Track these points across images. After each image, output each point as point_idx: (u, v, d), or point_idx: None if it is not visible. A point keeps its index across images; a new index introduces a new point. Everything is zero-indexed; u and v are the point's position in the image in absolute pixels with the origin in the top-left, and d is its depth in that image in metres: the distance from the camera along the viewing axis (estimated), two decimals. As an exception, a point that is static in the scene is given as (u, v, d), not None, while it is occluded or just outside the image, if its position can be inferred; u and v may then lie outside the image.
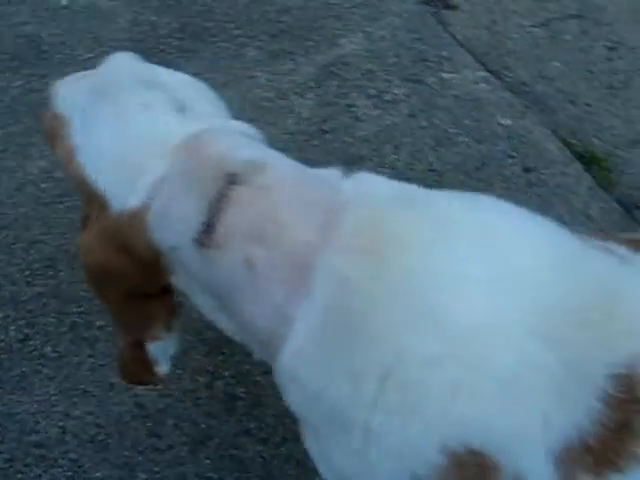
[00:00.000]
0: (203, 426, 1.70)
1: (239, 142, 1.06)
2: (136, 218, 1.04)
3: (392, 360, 0.91)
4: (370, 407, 0.93)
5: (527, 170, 2.25)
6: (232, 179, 0.99)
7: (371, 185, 1.03)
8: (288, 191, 1.00)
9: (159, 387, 1.72)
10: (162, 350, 1.22)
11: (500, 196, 2.17)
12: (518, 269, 0.95)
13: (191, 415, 1.71)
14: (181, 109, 1.09)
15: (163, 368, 1.24)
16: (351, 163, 2.16)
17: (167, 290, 1.15)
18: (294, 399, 1.03)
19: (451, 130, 2.32)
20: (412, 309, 0.92)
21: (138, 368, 1.25)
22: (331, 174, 1.06)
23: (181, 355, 1.80)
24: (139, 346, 1.21)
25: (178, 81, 1.15)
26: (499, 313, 0.92)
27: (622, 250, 1.04)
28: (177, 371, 1.76)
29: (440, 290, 0.93)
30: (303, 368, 0.98)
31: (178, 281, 1.11)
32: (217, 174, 1.00)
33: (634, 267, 1.01)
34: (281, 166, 1.05)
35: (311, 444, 1.07)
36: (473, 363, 0.91)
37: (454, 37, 2.61)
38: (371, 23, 2.60)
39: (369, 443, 0.95)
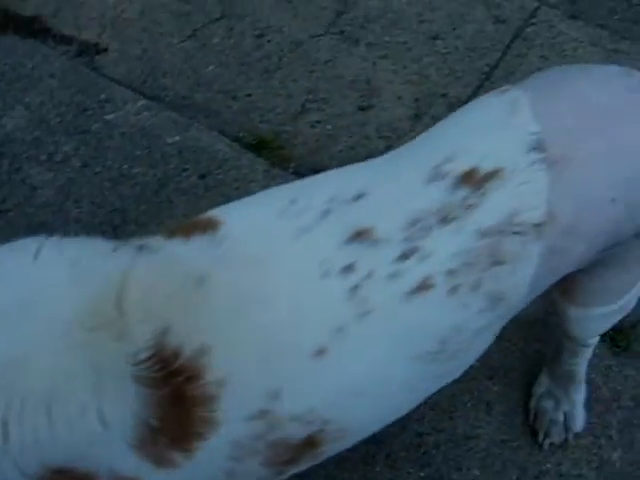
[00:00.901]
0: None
1: None
2: None
3: None
4: None
5: (202, 177, 2.41)
6: None
7: None
8: None
9: None
10: None
11: (183, 209, 2.31)
12: (34, 294, 1.08)
13: None
14: None
15: None
16: (37, 231, 2.24)
17: None
18: None
19: (125, 166, 2.44)
20: None
21: None
22: None
23: None
24: None
25: None
26: (23, 339, 1.05)
27: (154, 241, 1.19)
28: None
29: None
30: None
31: None
32: None
33: (153, 255, 1.15)
34: None
35: None
36: (13, 393, 1.02)
37: (110, 78, 2.71)
38: (28, 93, 2.67)
39: None
